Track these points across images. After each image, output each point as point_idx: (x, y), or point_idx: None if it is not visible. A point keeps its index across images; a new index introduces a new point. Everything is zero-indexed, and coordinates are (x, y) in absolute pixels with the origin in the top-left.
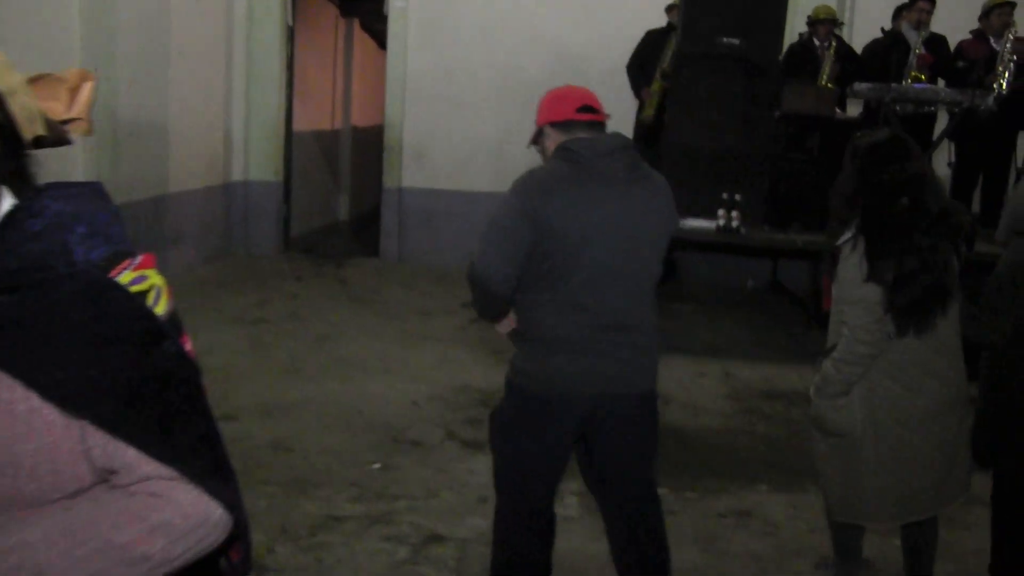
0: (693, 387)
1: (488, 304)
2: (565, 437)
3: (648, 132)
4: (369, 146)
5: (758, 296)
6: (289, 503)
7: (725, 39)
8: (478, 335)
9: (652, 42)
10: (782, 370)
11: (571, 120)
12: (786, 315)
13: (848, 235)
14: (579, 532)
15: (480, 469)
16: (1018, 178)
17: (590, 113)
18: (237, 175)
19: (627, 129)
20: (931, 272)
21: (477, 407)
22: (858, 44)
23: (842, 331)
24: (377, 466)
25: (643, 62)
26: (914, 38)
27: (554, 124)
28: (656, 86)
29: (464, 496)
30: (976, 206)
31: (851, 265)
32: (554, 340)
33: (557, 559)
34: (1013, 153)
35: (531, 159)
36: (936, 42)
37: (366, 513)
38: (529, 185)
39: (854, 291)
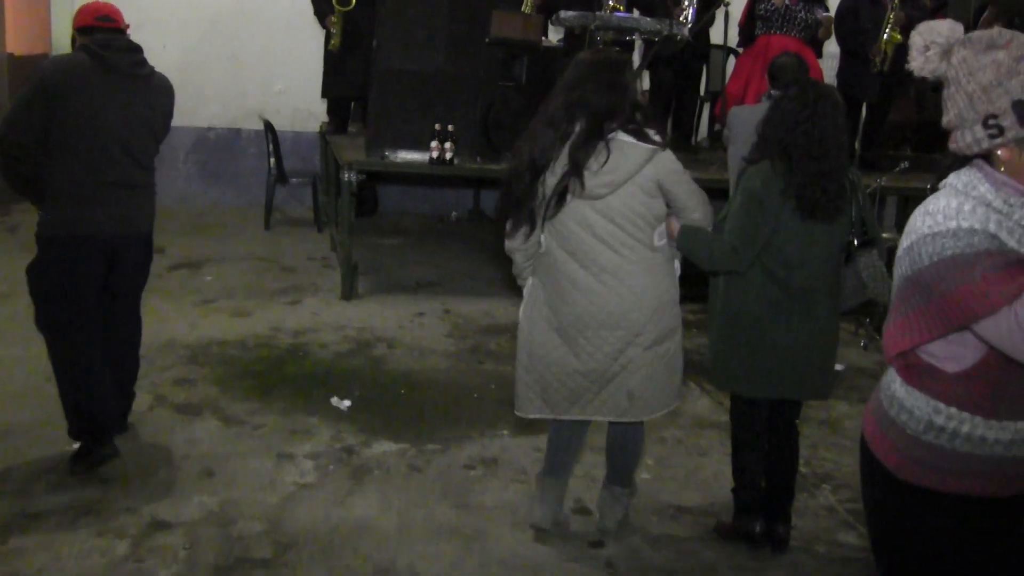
0: (414, 327)
1: (12, 172)
2: (90, 270)
3: (337, 62)
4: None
5: (462, 226)
6: None
7: None
8: (180, 282)
9: None
10: (500, 302)
11: (91, 26)
12: (493, 245)
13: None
14: (321, 499)
15: (200, 437)
16: (701, 105)
17: (109, 22)
18: None
19: (319, 59)
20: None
21: (187, 365)
22: None
23: None
24: (79, 444)
25: None
26: None
27: (79, 29)
28: (336, 13)
29: (185, 471)
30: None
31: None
32: (72, 193)
33: (300, 528)
34: (699, 82)
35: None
36: None
37: (71, 504)
38: (48, 67)
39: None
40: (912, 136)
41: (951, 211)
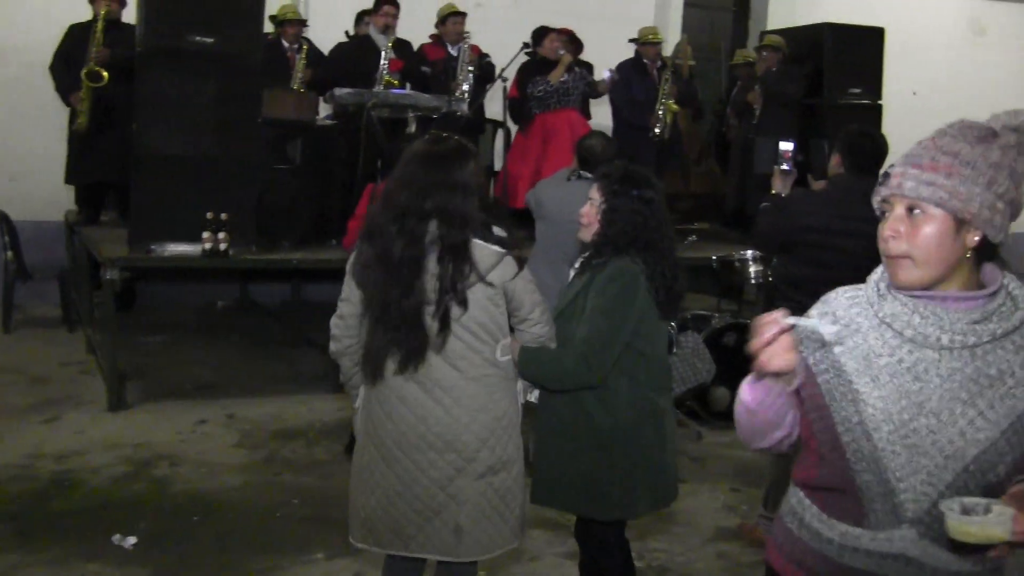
0: (197, 439)
1: None
2: None
3: (85, 145)
4: None
5: (232, 317)
6: None
7: (197, 37)
8: None
9: (77, 38)
10: (288, 402)
11: None
12: (268, 336)
13: None
14: None
15: None
16: None
17: None
18: None
19: (61, 141)
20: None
21: None
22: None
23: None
24: None
25: (70, 61)
26: (383, 43)
27: None
28: (84, 90)
29: None
30: None
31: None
32: None
33: None
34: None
35: None
36: (402, 46)
37: None
38: None
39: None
40: (679, 207)
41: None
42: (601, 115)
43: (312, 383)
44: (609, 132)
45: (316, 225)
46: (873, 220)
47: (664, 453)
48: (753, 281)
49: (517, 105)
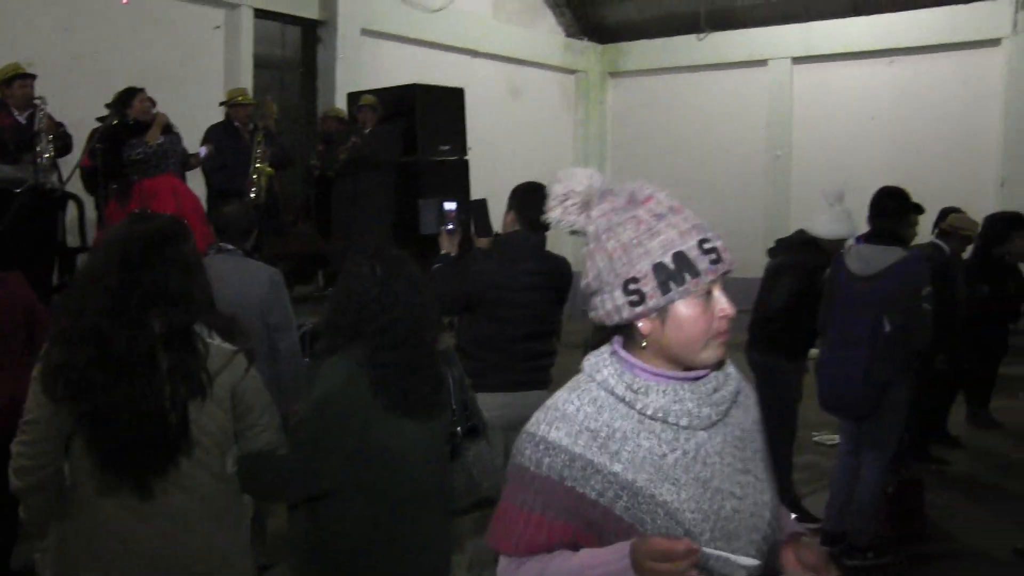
0: None
1: None
2: None
3: None
4: None
5: None
6: None
7: None
8: None
9: None
10: None
11: None
12: None
13: None
14: None
15: None
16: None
17: None
18: None
19: None
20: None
21: None
22: None
23: None
24: None
25: None
26: None
27: None
28: None
29: None
30: None
31: None
32: None
33: None
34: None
35: None
36: None
37: None
38: None
39: None
40: (280, 269)
41: (555, 410)
42: (194, 181)
43: None
44: (203, 199)
45: None
46: (547, 273)
47: (399, 572)
48: None
49: (91, 175)
